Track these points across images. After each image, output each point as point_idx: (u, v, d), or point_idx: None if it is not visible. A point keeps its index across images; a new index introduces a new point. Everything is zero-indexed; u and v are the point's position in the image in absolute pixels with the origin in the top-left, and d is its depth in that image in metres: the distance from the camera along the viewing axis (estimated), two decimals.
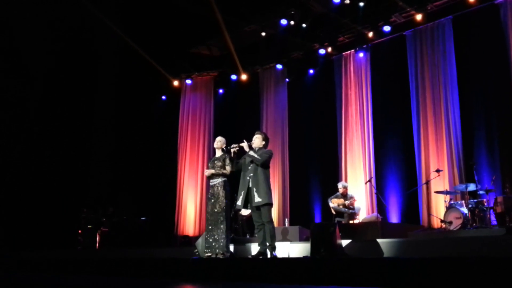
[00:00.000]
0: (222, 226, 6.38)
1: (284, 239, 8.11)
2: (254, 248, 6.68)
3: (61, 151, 12.69)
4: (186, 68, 12.94)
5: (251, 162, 6.23)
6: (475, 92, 9.15)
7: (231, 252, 6.55)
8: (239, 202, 6.21)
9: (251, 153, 6.24)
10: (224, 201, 6.45)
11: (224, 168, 6.52)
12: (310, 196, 10.89)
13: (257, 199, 6.06)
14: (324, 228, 6.13)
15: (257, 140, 6.34)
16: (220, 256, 6.27)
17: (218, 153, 6.69)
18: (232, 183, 6.61)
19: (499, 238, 5.84)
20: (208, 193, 6.63)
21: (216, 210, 6.44)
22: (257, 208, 6.14)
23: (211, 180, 6.59)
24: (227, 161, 6.51)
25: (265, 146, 6.37)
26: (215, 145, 6.76)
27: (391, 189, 9.80)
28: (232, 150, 6.37)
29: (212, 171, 6.53)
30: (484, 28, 9.08)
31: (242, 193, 6.18)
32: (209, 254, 6.35)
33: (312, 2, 10.27)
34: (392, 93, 10.28)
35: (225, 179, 6.55)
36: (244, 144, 6.31)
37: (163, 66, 12.53)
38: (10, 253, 10.42)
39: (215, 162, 6.59)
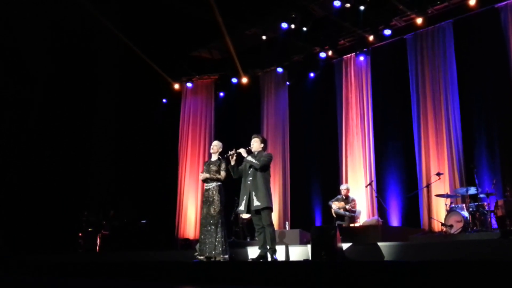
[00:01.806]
0: (218, 229, 6.39)
1: (285, 242, 8.10)
2: (255, 252, 6.67)
3: (62, 153, 12.69)
4: (186, 71, 12.94)
5: (250, 166, 6.24)
6: (475, 95, 9.15)
7: (230, 255, 6.56)
8: (241, 207, 6.21)
9: (249, 158, 6.24)
10: (219, 205, 6.46)
11: (219, 173, 6.54)
12: (310, 199, 10.88)
13: (255, 203, 6.07)
14: (324, 231, 6.13)
15: (256, 144, 6.34)
16: (220, 259, 6.27)
17: (214, 157, 6.72)
18: (232, 188, 6.62)
19: (500, 241, 5.83)
20: (203, 196, 6.65)
21: (211, 214, 6.46)
22: (257, 211, 6.14)
23: (205, 184, 6.63)
24: (222, 166, 6.53)
25: (264, 148, 6.37)
26: (212, 150, 6.79)
27: (392, 192, 9.79)
28: (230, 157, 6.38)
29: (207, 175, 6.56)
30: (485, 32, 9.09)
31: (244, 197, 6.18)
32: (201, 257, 6.36)
33: (313, 5, 10.28)
34: (393, 96, 10.28)
35: (220, 183, 6.57)
36: (242, 150, 6.30)
37: (164, 69, 12.52)
38: (11, 255, 10.42)
39: (210, 166, 6.61)
